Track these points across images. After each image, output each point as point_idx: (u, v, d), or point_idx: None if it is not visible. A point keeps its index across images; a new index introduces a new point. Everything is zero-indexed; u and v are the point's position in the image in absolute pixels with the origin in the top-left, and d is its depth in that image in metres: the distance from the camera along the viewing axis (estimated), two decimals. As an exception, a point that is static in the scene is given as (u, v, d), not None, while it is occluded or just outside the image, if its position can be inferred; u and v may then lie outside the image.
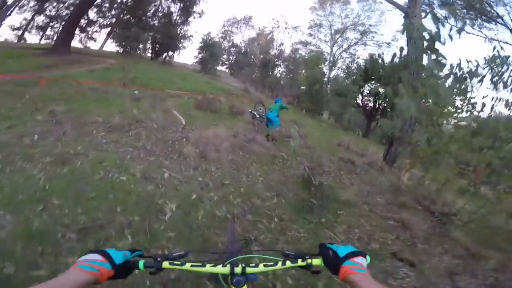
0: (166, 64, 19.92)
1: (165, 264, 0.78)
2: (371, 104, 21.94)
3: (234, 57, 32.22)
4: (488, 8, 12.99)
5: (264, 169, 4.79)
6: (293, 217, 3.40)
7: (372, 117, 21.90)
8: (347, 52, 26.27)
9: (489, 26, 13.67)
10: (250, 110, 8.51)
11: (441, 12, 14.51)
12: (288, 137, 7.35)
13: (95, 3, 16.83)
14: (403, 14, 8.89)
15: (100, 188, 3.02)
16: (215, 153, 4.59)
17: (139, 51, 20.45)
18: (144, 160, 3.82)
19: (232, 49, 33.27)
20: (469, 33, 14.41)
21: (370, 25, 24.26)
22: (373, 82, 20.64)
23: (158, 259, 0.79)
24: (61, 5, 16.86)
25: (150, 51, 20.51)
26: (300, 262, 0.80)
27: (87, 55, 15.89)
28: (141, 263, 0.77)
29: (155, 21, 18.98)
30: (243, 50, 32.13)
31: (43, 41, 19.40)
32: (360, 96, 21.14)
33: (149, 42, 19.28)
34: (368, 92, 21.41)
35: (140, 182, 3.22)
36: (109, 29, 19.72)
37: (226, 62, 33.27)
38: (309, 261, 0.79)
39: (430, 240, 3.98)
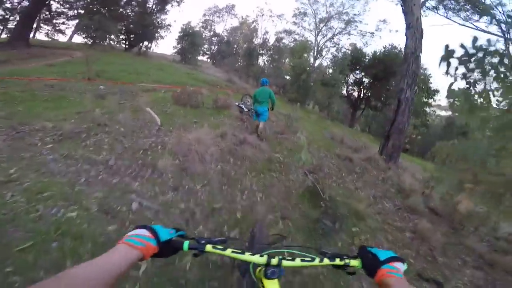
0: (141, 55, 18.27)
1: (208, 248, 0.78)
2: (355, 94, 21.81)
3: (216, 46, 30.85)
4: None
5: (261, 180, 3.99)
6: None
7: (357, 107, 21.73)
8: (331, 42, 25.98)
9: (474, 18, 13.44)
10: (237, 104, 7.61)
11: (431, 3, 14.10)
12: (281, 133, 6.57)
13: None
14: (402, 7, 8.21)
15: (38, 232, 2.11)
16: (200, 164, 3.72)
17: (110, 42, 18.65)
18: (104, 183, 2.88)
19: (213, 38, 31.93)
20: (461, 24, 14.14)
21: (355, 14, 23.97)
22: (357, 71, 20.37)
23: (202, 241, 0.79)
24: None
25: (123, 41, 18.73)
26: (338, 261, 0.80)
27: (51, 48, 14.05)
28: (186, 243, 0.77)
29: (128, 10, 17.16)
30: (226, 40, 30.81)
31: (4, 36, 17.03)
32: (345, 86, 20.83)
33: (122, 32, 17.47)
34: (352, 81, 21.13)
35: (97, 220, 2.32)
36: (77, 21, 17.64)
37: (208, 52, 31.92)
38: (347, 261, 0.80)
39: (447, 250, 3.71)
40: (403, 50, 18.84)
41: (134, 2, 17.30)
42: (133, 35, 18.05)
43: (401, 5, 8.52)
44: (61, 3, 15.82)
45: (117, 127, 4.37)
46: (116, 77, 8.60)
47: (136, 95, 6.40)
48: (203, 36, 30.30)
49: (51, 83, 6.63)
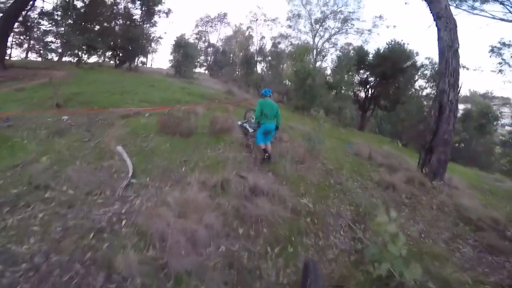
0: (132, 70, 17.00)
1: None
2: (362, 94, 20.35)
3: (212, 57, 29.79)
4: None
5: (291, 258, 2.47)
6: None
7: (366, 108, 20.19)
8: (329, 42, 24.94)
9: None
10: (240, 123, 6.12)
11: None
12: (301, 162, 4.95)
13: (45, 11, 13.75)
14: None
15: None
16: (189, 252, 2.20)
17: (99, 59, 17.48)
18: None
19: (209, 49, 30.87)
20: (473, 13, 12.57)
21: (350, 12, 23.01)
22: (361, 71, 18.96)
23: None
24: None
25: (113, 57, 17.55)
26: None
27: (33, 69, 12.72)
28: None
29: (114, 25, 15.98)
30: (221, 49, 29.76)
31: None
32: (352, 87, 19.38)
33: (109, 47, 16.24)
34: (357, 82, 19.68)
35: None
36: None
37: (205, 64, 30.88)
38: None
39: None
40: (407, 46, 17.35)
41: (119, 16, 16.08)
42: (122, 50, 16.83)
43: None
44: (49, 21, 14.64)
45: (64, 189, 2.89)
46: (95, 99, 7.18)
47: (110, 125, 4.92)
48: (198, 48, 29.36)
49: (6, 115, 5.21)
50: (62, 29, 14.43)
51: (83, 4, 14.47)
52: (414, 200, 4.78)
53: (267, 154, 4.55)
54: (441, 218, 4.19)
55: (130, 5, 16.44)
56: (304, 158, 4.82)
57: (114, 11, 15.63)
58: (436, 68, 16.18)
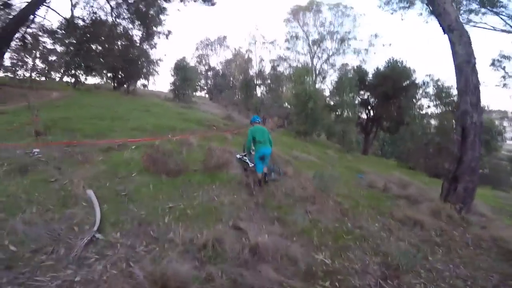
0: (130, 93, 16.67)
1: None
2: (364, 116, 19.94)
3: (212, 80, 29.99)
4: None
5: None
6: None
7: (368, 131, 19.66)
8: (327, 63, 25.20)
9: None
10: (239, 156, 5.43)
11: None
12: (312, 202, 4.16)
13: (48, 29, 13.64)
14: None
15: None
16: None
17: (99, 81, 17.24)
18: None
19: (209, 72, 31.19)
20: (476, 25, 12.43)
21: (346, 32, 23.59)
22: (361, 91, 18.72)
23: None
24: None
25: (111, 79, 17.34)
26: None
27: (25, 89, 12.14)
28: None
29: (113, 46, 15.89)
30: (221, 73, 30.04)
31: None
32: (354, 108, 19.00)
33: (108, 68, 16.04)
34: (358, 103, 19.36)
35: None
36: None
37: (205, 87, 31.03)
38: None
39: None
40: (406, 64, 17.10)
41: (118, 37, 15.96)
42: (120, 72, 16.61)
43: (428, 7, 6.84)
44: (52, 39, 14.50)
45: (5, 244, 2.17)
46: (81, 126, 6.56)
47: (86, 161, 4.22)
48: (199, 71, 29.62)
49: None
50: (64, 48, 14.26)
51: (83, 24, 14.36)
52: (446, 237, 4.13)
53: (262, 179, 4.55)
54: (482, 257, 3.62)
55: (130, 25, 16.32)
56: (315, 197, 4.06)
57: (114, 31, 15.51)
58: (440, 85, 15.93)
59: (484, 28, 11.50)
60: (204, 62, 31.82)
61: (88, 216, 2.92)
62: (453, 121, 14.50)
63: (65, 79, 14.86)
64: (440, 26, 6.41)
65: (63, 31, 13.71)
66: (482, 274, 3.15)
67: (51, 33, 13.61)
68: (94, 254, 2.36)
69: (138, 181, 3.75)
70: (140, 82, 19.19)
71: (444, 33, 6.23)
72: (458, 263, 3.37)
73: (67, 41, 13.88)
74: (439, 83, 16.21)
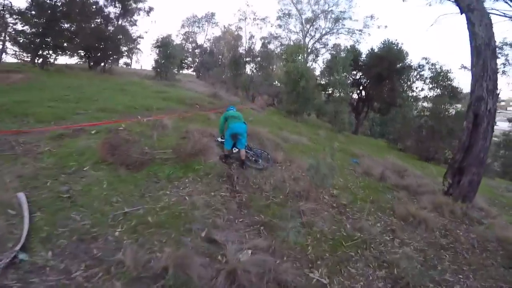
0: (106, 73, 15.21)
1: None
2: (355, 96, 19.40)
3: (200, 58, 28.23)
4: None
5: None
6: None
7: (360, 111, 19.21)
8: (319, 43, 23.91)
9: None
10: (220, 140, 4.69)
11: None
12: (305, 197, 3.53)
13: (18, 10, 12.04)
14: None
15: None
16: None
17: (75, 61, 15.71)
18: None
19: (196, 50, 29.28)
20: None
21: (341, 11, 22.13)
22: (354, 71, 17.96)
23: None
24: None
25: (85, 58, 15.75)
26: None
27: None
28: None
29: (87, 24, 14.26)
30: (209, 50, 28.25)
31: None
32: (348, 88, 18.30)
33: (80, 47, 14.47)
34: (349, 83, 18.68)
35: None
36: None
37: (192, 65, 29.28)
38: None
39: None
40: (401, 46, 16.31)
41: (91, 15, 14.29)
42: (95, 51, 15.03)
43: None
44: (21, 20, 12.86)
45: None
46: (36, 110, 5.55)
47: (29, 152, 3.37)
48: (185, 48, 27.76)
49: None
50: (34, 29, 12.67)
51: (53, 2, 12.72)
52: (451, 238, 3.77)
53: (241, 161, 4.15)
54: (489, 262, 3.35)
55: (104, 2, 14.65)
56: (309, 192, 3.43)
57: (87, 9, 13.86)
58: (438, 69, 15.34)
59: (494, 14, 10.82)
60: (191, 39, 29.78)
61: (13, 230, 2.19)
62: (448, 104, 14.16)
63: (31, 59, 13.28)
64: (457, 5, 5.82)
65: (32, 12, 12.10)
66: (492, 285, 2.88)
67: (19, 14, 12.03)
68: (15, 281, 1.73)
69: (89, 177, 2.97)
70: (122, 61, 17.64)
71: (462, 13, 5.65)
72: (467, 273, 3.01)
73: (36, 21, 12.28)
74: (436, 66, 15.62)
